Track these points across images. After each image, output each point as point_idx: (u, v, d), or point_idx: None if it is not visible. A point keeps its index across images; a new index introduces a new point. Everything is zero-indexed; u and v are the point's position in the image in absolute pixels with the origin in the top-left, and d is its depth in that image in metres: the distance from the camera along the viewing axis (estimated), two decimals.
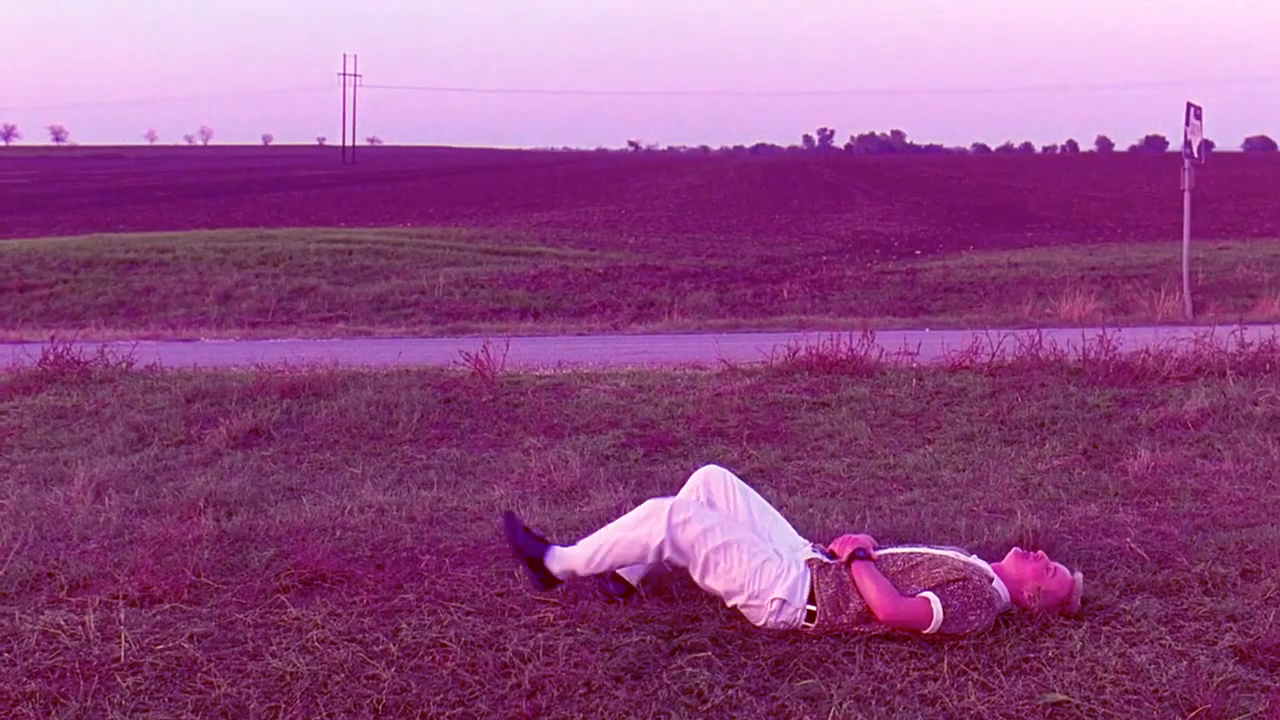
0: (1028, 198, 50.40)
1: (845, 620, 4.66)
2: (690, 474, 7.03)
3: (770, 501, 6.40)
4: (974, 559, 4.84)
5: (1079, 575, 4.84)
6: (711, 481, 5.17)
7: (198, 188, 65.55)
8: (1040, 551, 4.94)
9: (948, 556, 4.79)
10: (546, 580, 4.96)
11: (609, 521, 6.11)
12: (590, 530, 6.00)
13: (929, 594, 4.61)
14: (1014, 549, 4.94)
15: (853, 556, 4.76)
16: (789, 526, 5.19)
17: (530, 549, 4.96)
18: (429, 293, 21.60)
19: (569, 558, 4.93)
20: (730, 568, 4.74)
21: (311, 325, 17.85)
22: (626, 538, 4.84)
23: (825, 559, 4.85)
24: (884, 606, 4.61)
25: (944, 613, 4.57)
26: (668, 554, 4.80)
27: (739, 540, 4.79)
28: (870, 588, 4.65)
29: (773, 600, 4.68)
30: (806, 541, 5.07)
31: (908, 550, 4.87)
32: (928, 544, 5.13)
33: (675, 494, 6.63)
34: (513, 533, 5.00)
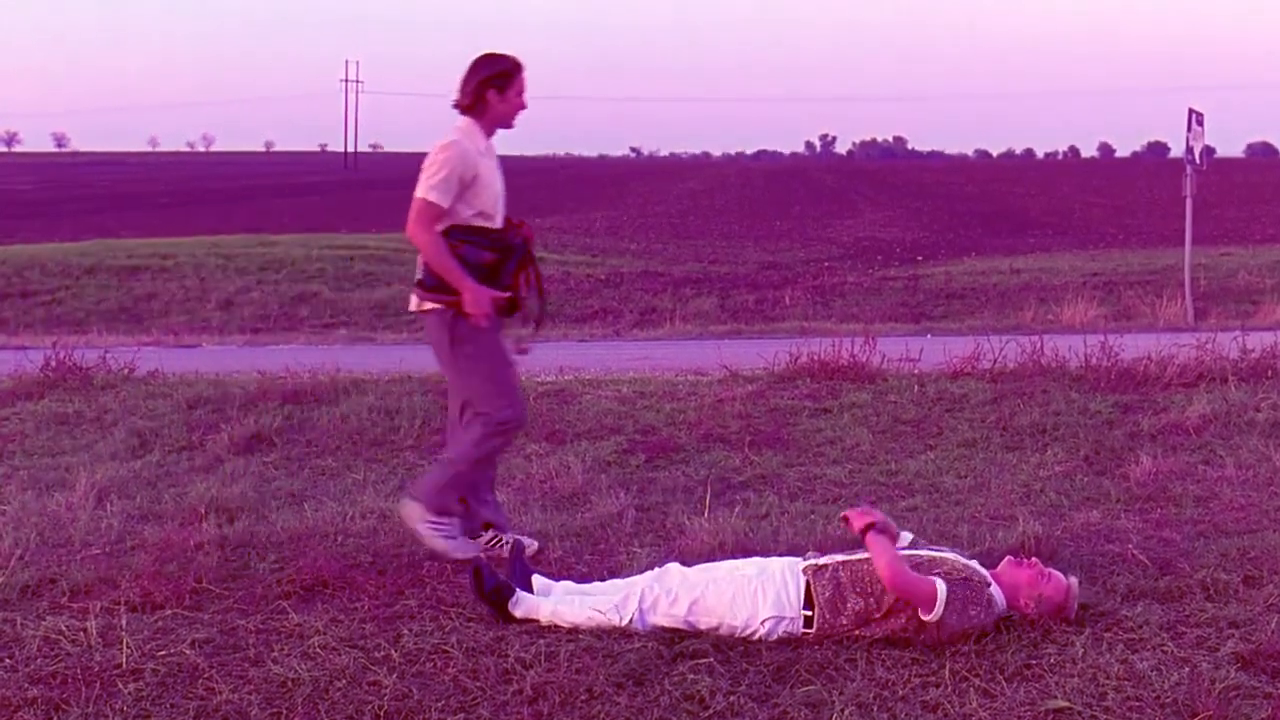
0: (1029, 203, 50.41)
1: (845, 622, 4.65)
2: (691, 480, 7.06)
3: (772, 508, 6.43)
4: (973, 563, 4.85)
5: (1074, 580, 4.84)
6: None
7: (200, 194, 65.60)
8: (1034, 558, 4.94)
9: (947, 558, 4.80)
10: (506, 617, 4.88)
11: (609, 528, 6.13)
12: (590, 536, 6.02)
13: (937, 578, 4.62)
14: (1008, 556, 4.95)
15: (869, 527, 4.76)
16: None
17: (504, 591, 4.88)
18: None
19: (535, 609, 4.86)
20: (709, 614, 4.72)
21: (313, 331, 17.87)
22: (599, 619, 4.77)
23: (822, 561, 4.84)
24: (893, 576, 4.59)
25: (947, 599, 4.57)
26: (646, 631, 4.76)
27: (703, 592, 4.76)
28: (882, 557, 4.65)
29: (763, 621, 4.68)
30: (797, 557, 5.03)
31: (908, 552, 4.86)
32: (928, 546, 5.13)
33: (674, 502, 6.63)
34: (484, 582, 4.92)
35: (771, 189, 63.59)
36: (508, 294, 5.53)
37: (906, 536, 5.02)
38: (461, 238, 5.45)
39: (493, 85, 5.49)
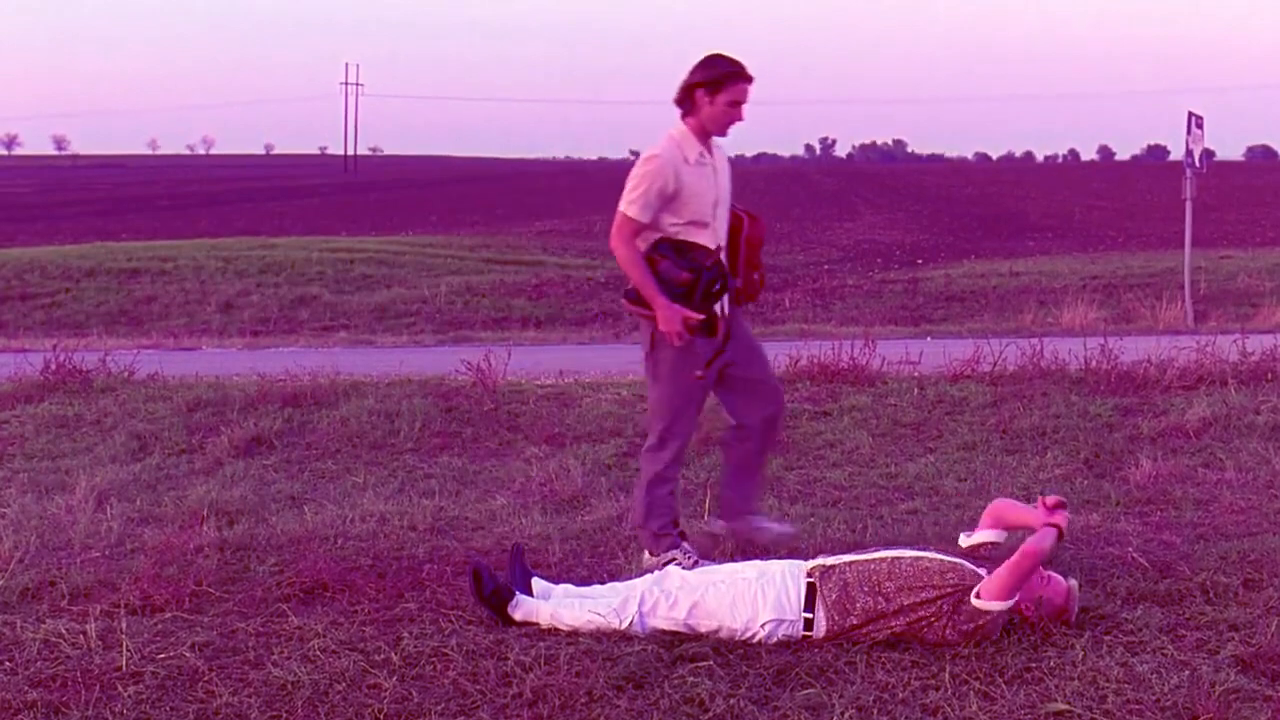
0: (1029, 206, 50.35)
1: (855, 620, 4.66)
2: (691, 483, 7.05)
3: (772, 510, 6.42)
4: (961, 561, 4.85)
5: (1074, 583, 4.84)
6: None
7: (200, 196, 65.63)
8: None
9: (933, 558, 4.80)
10: (506, 620, 4.87)
11: (609, 531, 6.13)
12: (590, 539, 6.02)
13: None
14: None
15: (1056, 527, 4.85)
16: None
17: (504, 594, 4.86)
18: (430, 302, 21.62)
19: (534, 611, 4.86)
20: (709, 618, 4.71)
21: (313, 334, 17.84)
22: (599, 622, 4.75)
23: (830, 561, 4.83)
24: (1035, 555, 4.67)
25: (1007, 610, 4.64)
26: (645, 634, 4.75)
27: (703, 595, 4.75)
28: (1041, 542, 4.72)
29: (763, 624, 4.68)
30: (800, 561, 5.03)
31: (914, 554, 4.84)
32: (911, 548, 5.10)
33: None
34: (485, 583, 4.90)
35: (771, 192, 63.52)
36: (703, 315, 5.36)
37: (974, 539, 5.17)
38: (665, 253, 5.36)
39: (703, 87, 5.36)
